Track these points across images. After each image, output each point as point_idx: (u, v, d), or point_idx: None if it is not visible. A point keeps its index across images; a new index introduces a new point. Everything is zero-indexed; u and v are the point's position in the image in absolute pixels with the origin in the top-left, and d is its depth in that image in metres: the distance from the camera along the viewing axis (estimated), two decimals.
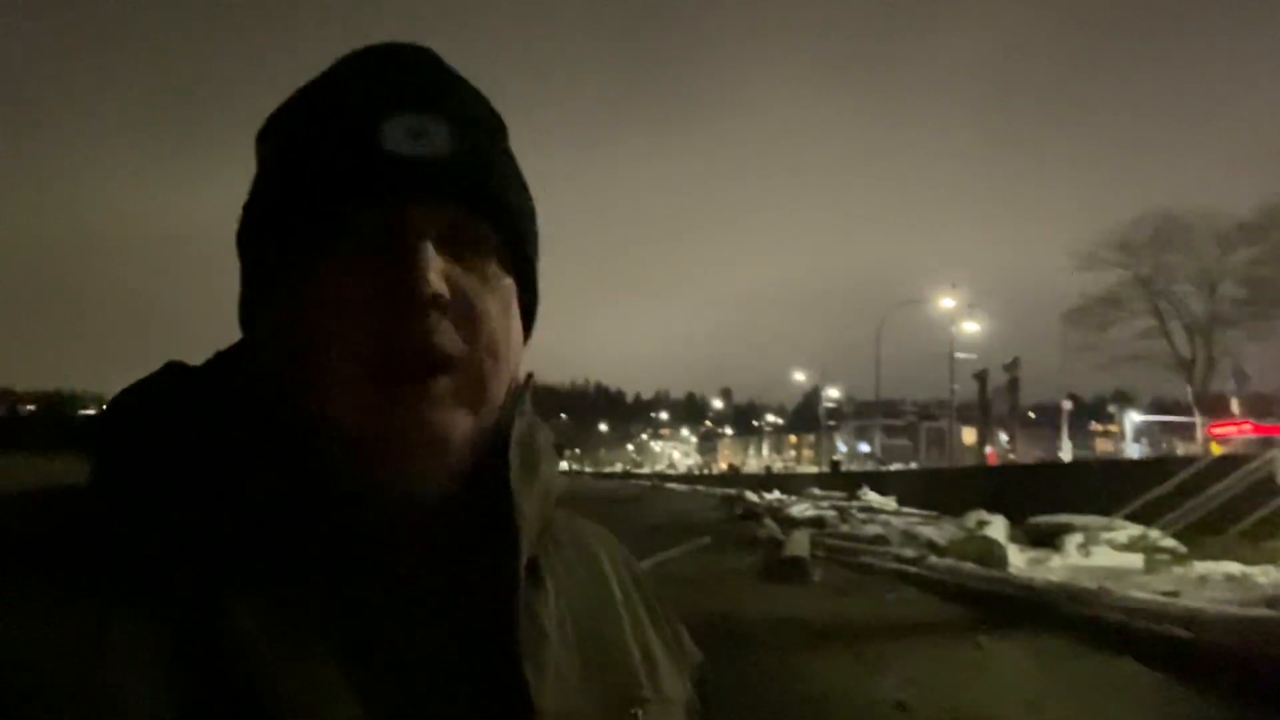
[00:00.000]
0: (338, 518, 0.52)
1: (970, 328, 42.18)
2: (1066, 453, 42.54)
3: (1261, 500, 12.30)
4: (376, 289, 0.52)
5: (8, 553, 0.45)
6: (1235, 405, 34.24)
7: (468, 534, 0.55)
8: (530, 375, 0.63)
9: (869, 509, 20.16)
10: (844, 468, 47.81)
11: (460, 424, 0.53)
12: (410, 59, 0.58)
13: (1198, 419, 34.01)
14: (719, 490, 37.32)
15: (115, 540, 0.47)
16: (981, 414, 43.04)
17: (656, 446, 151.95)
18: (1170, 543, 11.48)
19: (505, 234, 0.58)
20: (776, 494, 29.45)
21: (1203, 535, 11.70)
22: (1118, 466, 21.63)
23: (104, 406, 0.56)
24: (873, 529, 14.47)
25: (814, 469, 56.11)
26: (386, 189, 0.53)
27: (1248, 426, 31.64)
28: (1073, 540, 11.77)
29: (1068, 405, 45.27)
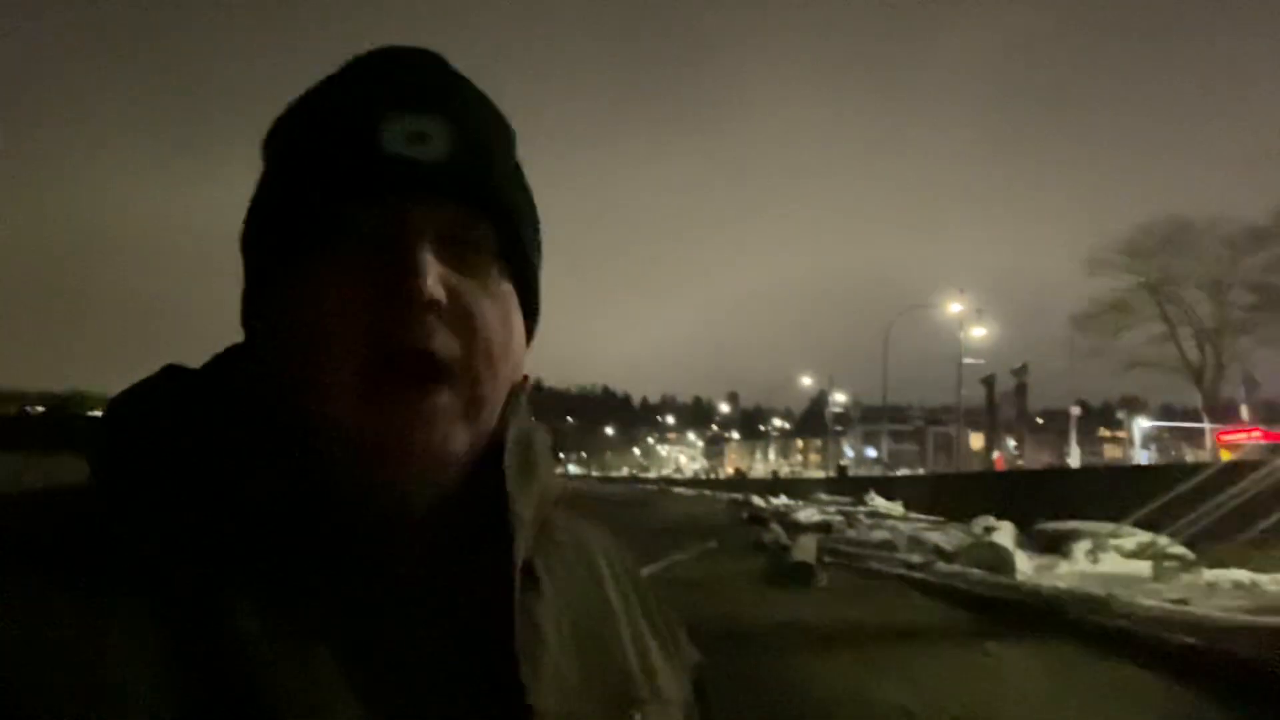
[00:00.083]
0: (336, 519, 0.52)
1: (978, 332, 42.04)
2: (1075, 459, 42.33)
3: (1271, 507, 12.22)
4: (374, 291, 0.52)
5: (8, 553, 0.45)
6: (1245, 411, 34.05)
7: (465, 535, 0.55)
8: (527, 378, 0.62)
9: (876, 514, 20.11)
10: (851, 472, 47.74)
11: (456, 430, 0.53)
12: (414, 62, 0.58)
13: (1207, 425, 33.85)
14: (725, 495, 37.31)
15: (115, 541, 0.47)
16: (989, 419, 42.91)
17: (663, 450, 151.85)
18: (1179, 549, 11.41)
19: (505, 238, 0.57)
20: (783, 499, 29.40)
21: (1212, 542, 11.62)
22: (1126, 472, 21.51)
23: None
24: (879, 534, 14.44)
25: (821, 474, 55.96)
26: (385, 191, 0.53)
27: (1257, 433, 31.44)
28: (1081, 546, 11.71)
29: (1076, 411, 45.05)
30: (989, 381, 41.63)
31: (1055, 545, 12.20)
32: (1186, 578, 9.73)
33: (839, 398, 71.77)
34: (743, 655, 6.27)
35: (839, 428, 75.53)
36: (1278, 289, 30.17)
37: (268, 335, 0.55)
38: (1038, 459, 54.31)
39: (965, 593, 8.85)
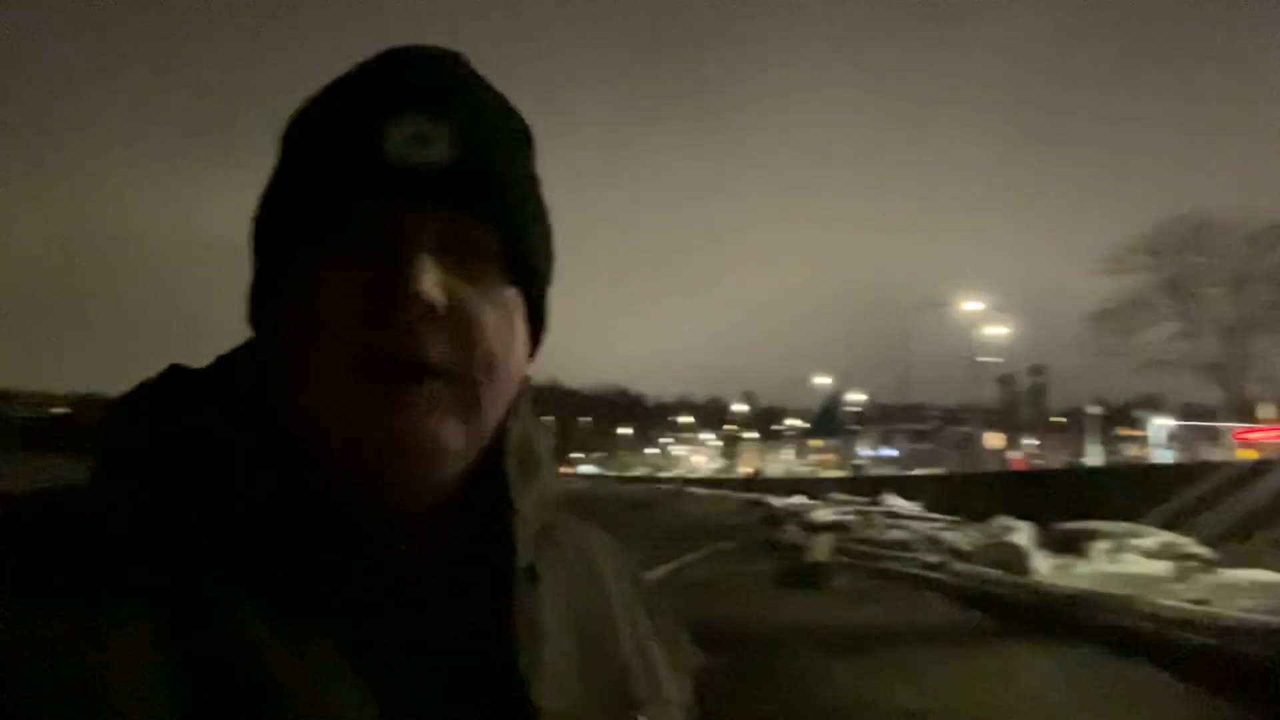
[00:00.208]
0: (337, 518, 0.52)
1: (995, 331, 41.81)
2: (1093, 458, 42.02)
3: None
4: (370, 293, 0.52)
5: (8, 553, 0.45)
6: (1266, 410, 33.69)
7: (467, 536, 0.55)
8: (528, 379, 0.62)
9: (892, 514, 20.02)
10: (866, 472, 47.55)
11: (450, 432, 0.53)
12: (426, 62, 0.58)
13: (1228, 424, 33.51)
14: (740, 494, 37.24)
15: (115, 541, 0.47)
16: (1007, 418, 42.66)
17: (678, 450, 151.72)
18: (1199, 549, 11.31)
19: (510, 245, 0.57)
20: (799, 498, 29.33)
21: (1233, 542, 11.52)
22: (1146, 472, 21.32)
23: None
24: (895, 534, 14.39)
25: (837, 473, 55.79)
26: (386, 193, 0.53)
27: (1277, 432, 31.10)
28: (1100, 547, 11.61)
29: (1095, 409, 44.75)
30: (1007, 380, 41.41)
31: (1073, 545, 12.11)
32: (1207, 578, 9.63)
33: (855, 397, 71.52)
34: (756, 656, 6.26)
35: (855, 427, 75.26)
36: None
37: (269, 333, 0.56)
38: (1056, 458, 53.93)
39: (982, 593, 8.81)
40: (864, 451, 75.08)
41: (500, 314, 0.56)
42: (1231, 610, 6.66)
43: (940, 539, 13.22)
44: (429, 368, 0.52)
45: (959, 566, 10.37)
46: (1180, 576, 9.84)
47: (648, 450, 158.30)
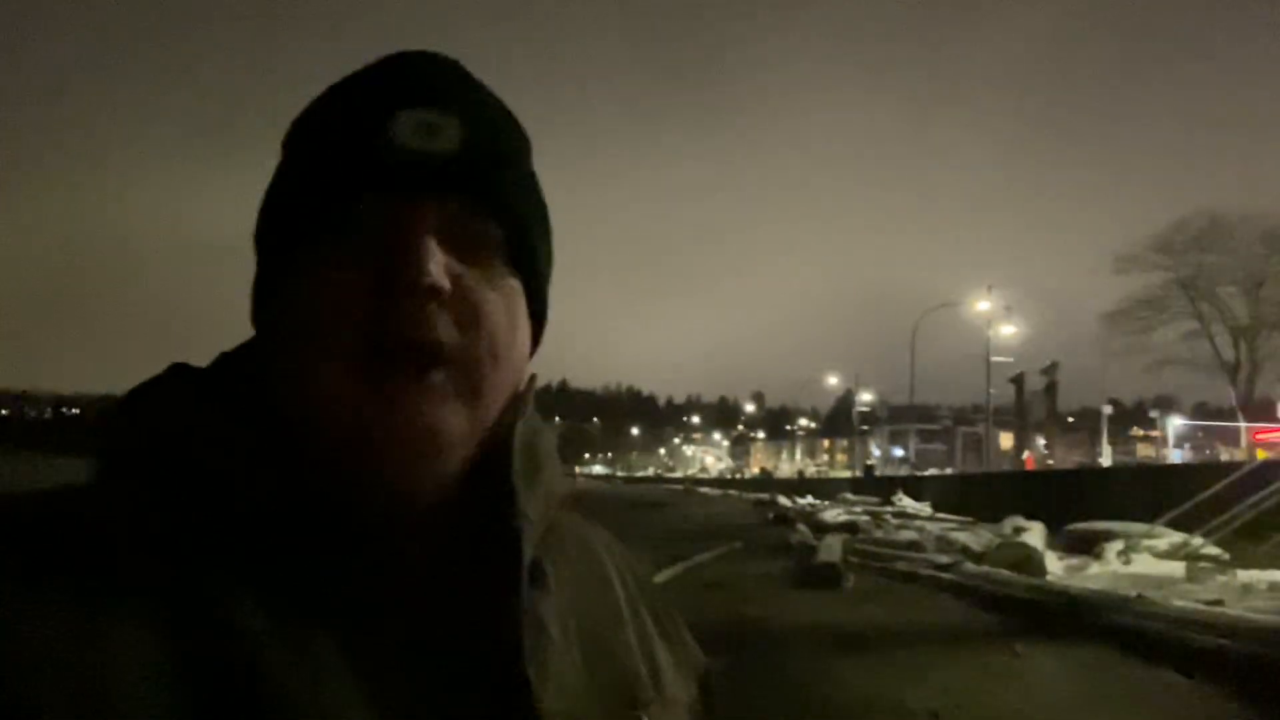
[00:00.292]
0: (338, 517, 0.52)
1: (1007, 331, 41.57)
2: (1106, 458, 41.79)
3: None
4: (376, 280, 0.52)
5: (8, 553, 0.45)
6: None
7: (471, 535, 0.55)
8: (533, 376, 0.62)
9: (903, 514, 19.97)
10: (878, 472, 47.39)
11: (454, 419, 0.53)
12: (427, 62, 0.58)
13: (1242, 423, 33.26)
14: (751, 495, 37.20)
15: (116, 541, 0.47)
16: (1019, 418, 42.46)
17: (688, 451, 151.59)
18: (1213, 550, 11.24)
19: (513, 237, 0.57)
20: (809, 499, 29.27)
21: (1246, 542, 11.44)
22: (1159, 472, 21.20)
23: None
24: (907, 535, 14.33)
25: (847, 474, 55.63)
26: (392, 182, 0.53)
27: None
28: (1113, 547, 11.56)
29: (1107, 409, 44.46)
30: (1018, 380, 41.20)
31: (1086, 546, 12.05)
32: (1221, 579, 9.57)
33: (865, 397, 71.35)
34: (768, 657, 6.25)
35: (865, 427, 75.06)
36: None
37: (273, 329, 0.56)
38: (1068, 458, 53.65)
39: (994, 594, 8.75)
40: (875, 452, 74.83)
41: (503, 301, 0.56)
42: (1245, 611, 6.61)
43: (952, 539, 13.16)
44: (434, 352, 0.52)
45: (971, 567, 10.31)
46: (1193, 577, 9.78)
47: (659, 450, 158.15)
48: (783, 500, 27.81)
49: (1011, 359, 41.63)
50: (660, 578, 10.06)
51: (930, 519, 18.73)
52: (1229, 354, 32.95)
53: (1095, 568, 10.80)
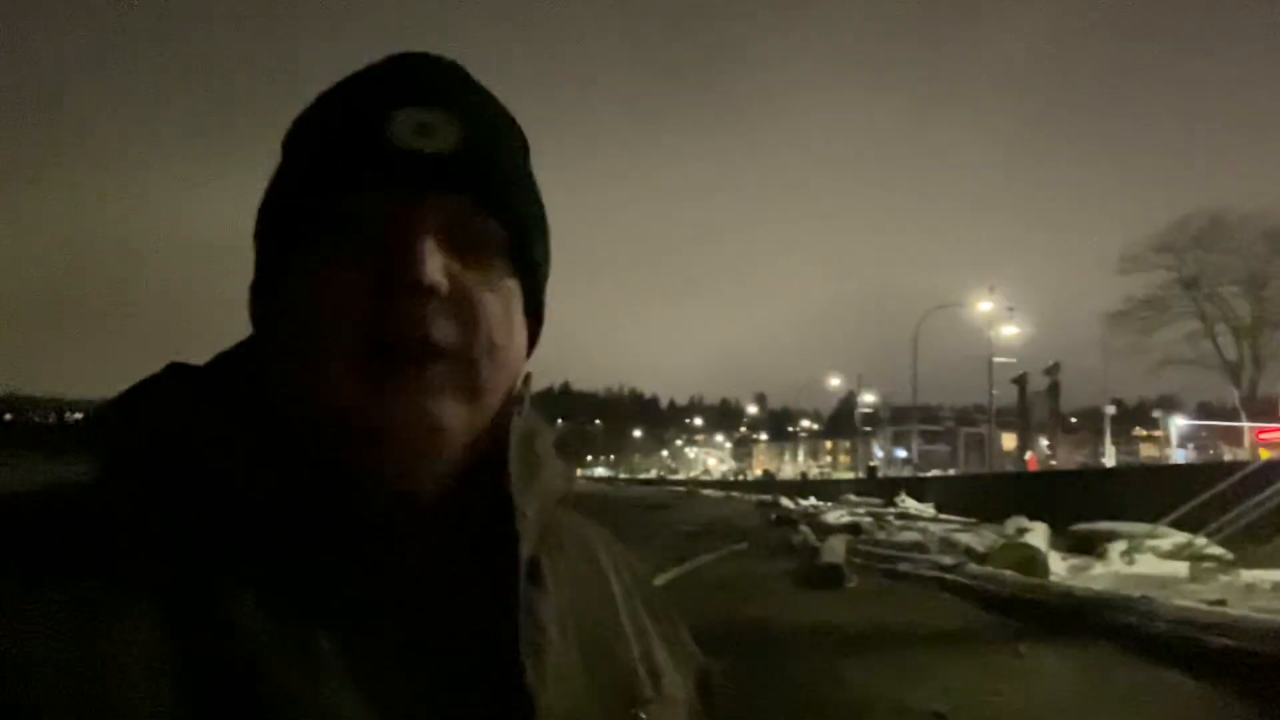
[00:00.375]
0: (338, 515, 0.52)
1: (1009, 331, 41.54)
2: (1109, 458, 41.74)
3: None
4: (374, 278, 0.52)
5: (7, 552, 0.45)
6: None
7: (469, 533, 0.55)
8: (529, 375, 0.62)
9: (906, 515, 19.96)
10: (881, 474, 47.38)
11: (453, 413, 0.53)
12: (427, 62, 0.59)
13: (1245, 423, 33.21)
14: (754, 496, 37.19)
15: (116, 540, 0.47)
16: (1021, 419, 42.43)
17: (691, 452, 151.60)
18: (1216, 550, 11.22)
19: (511, 236, 0.58)
20: (812, 500, 29.27)
21: (1250, 542, 11.42)
22: (1162, 472, 21.17)
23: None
24: (910, 536, 14.33)
25: (850, 475, 55.62)
26: (390, 182, 0.53)
27: None
28: (1116, 548, 11.55)
29: (1110, 410, 44.42)
30: (1021, 381, 41.18)
31: (1090, 546, 12.05)
32: (1224, 579, 9.56)
33: (868, 398, 71.32)
34: (772, 657, 6.25)
35: (868, 428, 75.01)
36: None
37: (273, 328, 0.56)
38: (1071, 459, 53.62)
39: (997, 595, 8.74)
40: (877, 453, 74.78)
41: (501, 302, 0.56)
42: (1249, 611, 6.61)
43: (955, 540, 13.16)
44: (432, 349, 0.52)
45: (974, 568, 10.30)
46: (1197, 577, 9.77)
47: (661, 452, 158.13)
48: (785, 502, 27.82)
49: (1014, 359, 41.63)
50: (663, 579, 10.06)
51: (933, 520, 18.73)
52: (1232, 353, 32.95)
53: (1099, 568, 10.79)
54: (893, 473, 53.59)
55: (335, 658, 0.48)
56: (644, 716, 0.60)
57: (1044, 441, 46.16)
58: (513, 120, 0.62)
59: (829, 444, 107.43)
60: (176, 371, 0.57)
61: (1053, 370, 40.39)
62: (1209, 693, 5.42)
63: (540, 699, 0.52)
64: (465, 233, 0.55)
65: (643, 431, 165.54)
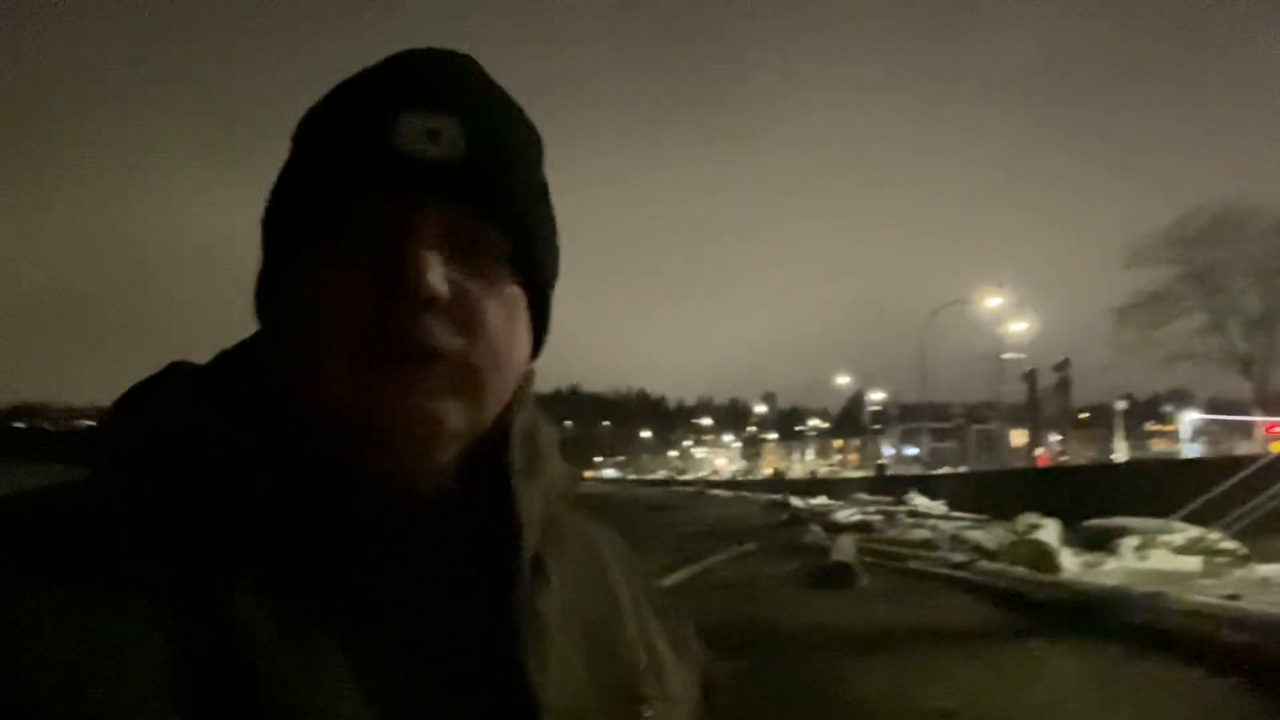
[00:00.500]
0: (339, 513, 0.52)
1: (1018, 327, 41.39)
2: (1121, 453, 41.53)
3: None
4: (374, 283, 0.52)
5: (8, 551, 0.46)
6: None
7: (470, 530, 0.55)
8: (531, 373, 0.62)
9: (916, 513, 19.89)
10: (890, 472, 47.26)
11: (452, 412, 0.53)
12: (439, 62, 0.58)
13: (1257, 417, 33.01)
14: (763, 496, 37.12)
15: (117, 539, 0.47)
16: (1031, 415, 42.25)
17: (700, 453, 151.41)
18: (1230, 544, 11.14)
19: (516, 243, 0.57)
20: (821, 499, 29.20)
21: (1264, 536, 11.34)
22: (1174, 467, 21.05)
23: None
24: (920, 534, 14.30)
25: (860, 473, 55.46)
26: (394, 186, 0.53)
27: None
28: (1128, 543, 11.47)
29: (1121, 405, 44.24)
30: (1030, 377, 41.01)
31: (1102, 542, 11.98)
32: (1238, 573, 9.51)
33: (876, 396, 71.16)
34: (783, 657, 6.24)
35: (877, 426, 74.85)
36: None
37: (275, 326, 0.56)
38: (1082, 455, 53.34)
39: (1009, 592, 8.72)
40: (887, 451, 74.60)
41: (504, 308, 0.56)
42: (1263, 605, 6.57)
43: (965, 538, 13.11)
44: (432, 351, 0.52)
45: (985, 565, 10.26)
46: (1210, 572, 9.71)
47: (669, 453, 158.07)
48: (795, 501, 27.75)
49: (1023, 355, 41.45)
50: (673, 579, 10.06)
51: (944, 518, 18.66)
52: (1243, 347, 32.75)
53: (1111, 564, 10.72)
54: (902, 470, 53.46)
55: (336, 657, 0.48)
56: (647, 714, 0.59)
57: (1054, 437, 46.01)
58: (525, 119, 0.61)
59: (838, 443, 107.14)
60: (178, 370, 0.57)
61: (1062, 366, 40.24)
62: (1224, 688, 5.39)
63: (542, 696, 0.52)
64: (468, 239, 0.55)
65: (651, 432, 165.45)
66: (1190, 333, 33.64)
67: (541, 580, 0.57)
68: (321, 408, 0.52)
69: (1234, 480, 13.07)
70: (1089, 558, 11.18)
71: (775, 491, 38.61)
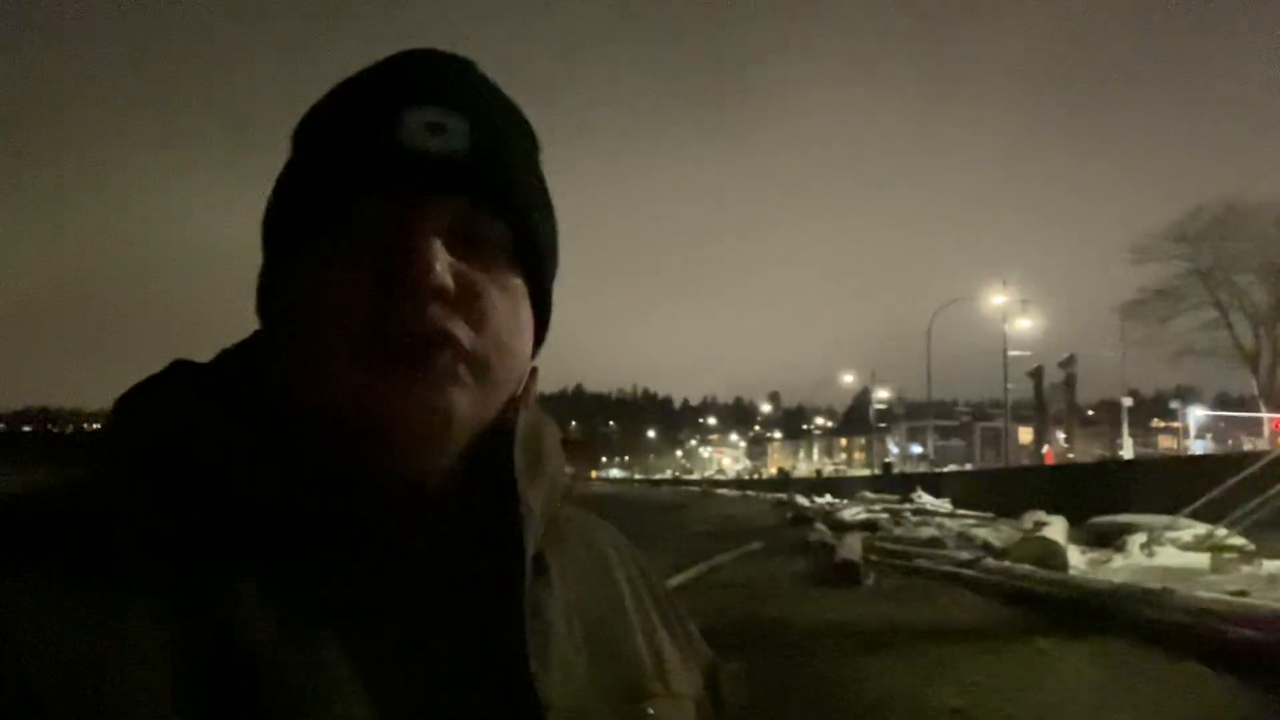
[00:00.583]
0: (339, 513, 0.52)
1: (1024, 324, 41.27)
2: (1128, 450, 41.39)
3: None
4: (381, 278, 0.52)
5: (12, 549, 0.45)
6: None
7: (473, 527, 0.55)
8: (535, 370, 0.62)
9: (923, 512, 19.85)
10: (896, 470, 47.19)
11: (457, 405, 0.53)
12: (437, 61, 0.59)
13: (1264, 413, 32.88)
14: (769, 495, 37.08)
15: (117, 539, 0.47)
16: (1037, 412, 42.17)
17: (705, 452, 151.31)
18: (1238, 541, 11.10)
19: (519, 237, 0.58)
20: (828, 498, 29.15)
21: (1271, 532, 11.29)
22: (1181, 463, 20.99)
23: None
24: (927, 532, 14.25)
25: (866, 472, 55.41)
26: (399, 181, 0.53)
27: None
28: (1136, 540, 11.44)
29: (1128, 401, 44.06)
30: (1036, 374, 40.94)
31: (1109, 539, 11.94)
32: (1246, 569, 9.47)
33: (882, 395, 71.08)
34: (790, 656, 6.23)
35: (883, 425, 74.73)
36: None
37: (277, 323, 0.56)
38: (1089, 452, 53.23)
39: (1017, 589, 8.68)
40: (893, 449, 74.49)
41: (508, 300, 0.56)
42: (1272, 601, 6.54)
43: (972, 536, 13.08)
44: (436, 344, 0.52)
45: (992, 563, 10.23)
46: (1218, 568, 9.68)
47: (675, 453, 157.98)
48: (801, 500, 27.70)
49: (1028, 353, 41.38)
50: (679, 579, 10.05)
51: (950, 516, 18.62)
52: (1249, 342, 32.60)
53: (1118, 561, 10.69)
54: (908, 469, 53.37)
55: (336, 657, 0.48)
56: (651, 712, 0.59)
57: (1061, 435, 45.88)
58: (523, 119, 0.61)
59: (844, 441, 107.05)
60: (179, 370, 0.57)
61: (1068, 363, 40.15)
62: (1232, 685, 5.36)
63: (545, 695, 0.52)
64: (472, 233, 0.55)
65: (657, 432, 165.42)
66: (1196, 329, 33.57)
67: (544, 579, 0.57)
68: (322, 407, 0.52)
69: (1241, 476, 13.01)
70: (1096, 555, 11.15)
71: (781, 491, 38.55)
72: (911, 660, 6.33)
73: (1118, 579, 8.59)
